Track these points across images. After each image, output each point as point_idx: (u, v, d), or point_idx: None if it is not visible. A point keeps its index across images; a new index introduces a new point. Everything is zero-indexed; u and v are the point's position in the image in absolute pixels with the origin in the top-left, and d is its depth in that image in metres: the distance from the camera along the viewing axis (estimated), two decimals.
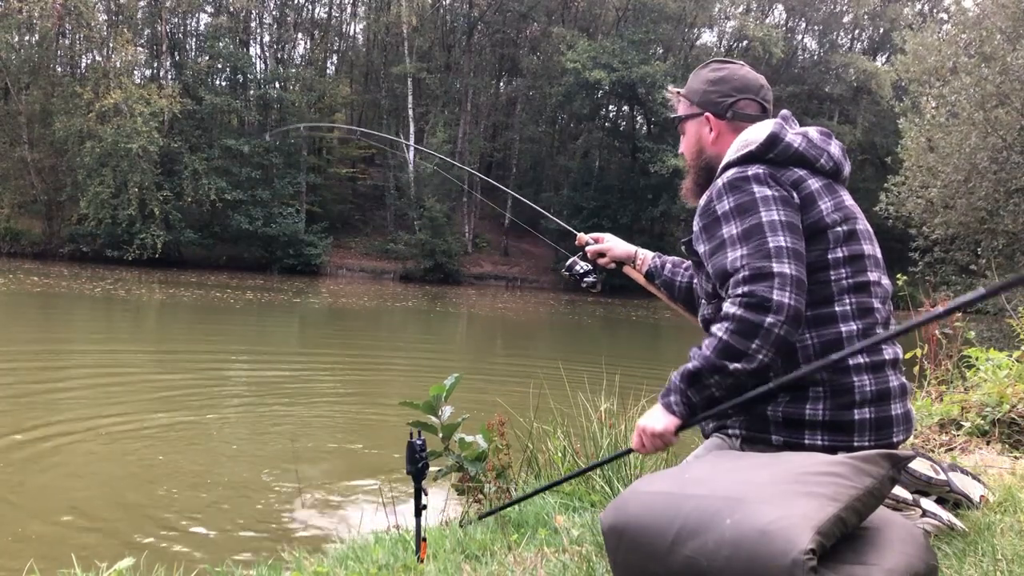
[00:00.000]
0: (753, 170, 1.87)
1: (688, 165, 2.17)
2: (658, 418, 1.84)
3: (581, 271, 2.60)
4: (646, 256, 2.51)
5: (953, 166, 14.62)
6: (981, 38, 15.17)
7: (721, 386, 1.78)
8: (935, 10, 40.90)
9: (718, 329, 1.76)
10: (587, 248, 2.59)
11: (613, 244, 2.56)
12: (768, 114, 2.07)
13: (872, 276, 1.89)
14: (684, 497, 1.53)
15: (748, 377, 1.76)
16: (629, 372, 4.11)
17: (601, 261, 2.58)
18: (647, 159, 34.12)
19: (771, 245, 1.76)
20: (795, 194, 1.86)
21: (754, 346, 1.72)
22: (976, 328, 5.02)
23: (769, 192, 1.83)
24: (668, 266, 2.45)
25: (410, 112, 35.75)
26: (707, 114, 2.08)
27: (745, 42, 37.86)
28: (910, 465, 2.04)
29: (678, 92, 2.18)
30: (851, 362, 1.81)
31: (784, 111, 2.03)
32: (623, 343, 18.01)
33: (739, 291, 1.75)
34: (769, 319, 1.71)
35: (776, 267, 1.73)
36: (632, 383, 3.71)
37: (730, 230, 1.82)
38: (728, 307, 1.76)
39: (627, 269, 2.55)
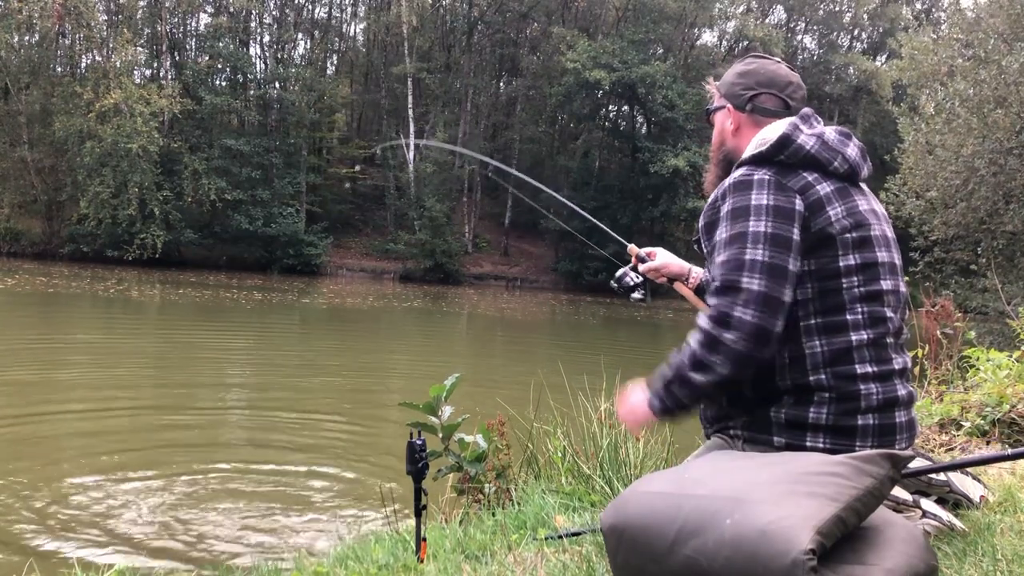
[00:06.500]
0: (759, 174, 1.84)
1: (711, 156, 2.16)
2: (638, 409, 1.91)
3: (631, 283, 2.55)
4: (698, 273, 2.48)
5: (951, 170, 14.59)
6: (978, 40, 15.15)
7: (686, 395, 1.82)
8: (933, 9, 40.95)
9: (690, 337, 1.80)
10: (643, 266, 2.55)
11: (668, 260, 2.53)
12: (792, 111, 2.02)
13: (886, 284, 1.86)
14: (684, 497, 1.53)
15: (712, 389, 1.79)
16: (629, 372, 4.10)
17: (653, 275, 2.54)
18: (647, 159, 34.11)
19: (746, 257, 1.75)
20: (799, 201, 1.80)
21: (716, 360, 1.74)
22: (977, 329, 5.02)
23: (765, 201, 1.79)
24: None
25: (410, 112, 35.74)
26: (728, 106, 2.06)
27: (745, 42, 37.90)
28: (910, 465, 2.04)
29: (714, 84, 2.16)
30: (859, 371, 1.80)
31: (805, 109, 1.98)
32: (623, 343, 18.02)
33: (709, 302, 1.79)
34: (728, 335, 1.72)
35: (745, 282, 1.73)
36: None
37: (722, 233, 1.83)
38: (700, 317, 1.79)
39: (678, 285, 2.52)
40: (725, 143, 2.08)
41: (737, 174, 1.88)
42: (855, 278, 1.82)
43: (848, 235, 1.82)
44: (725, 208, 1.85)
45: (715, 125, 2.12)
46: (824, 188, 1.83)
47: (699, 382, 1.77)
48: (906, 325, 1.95)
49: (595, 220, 2.96)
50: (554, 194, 3.42)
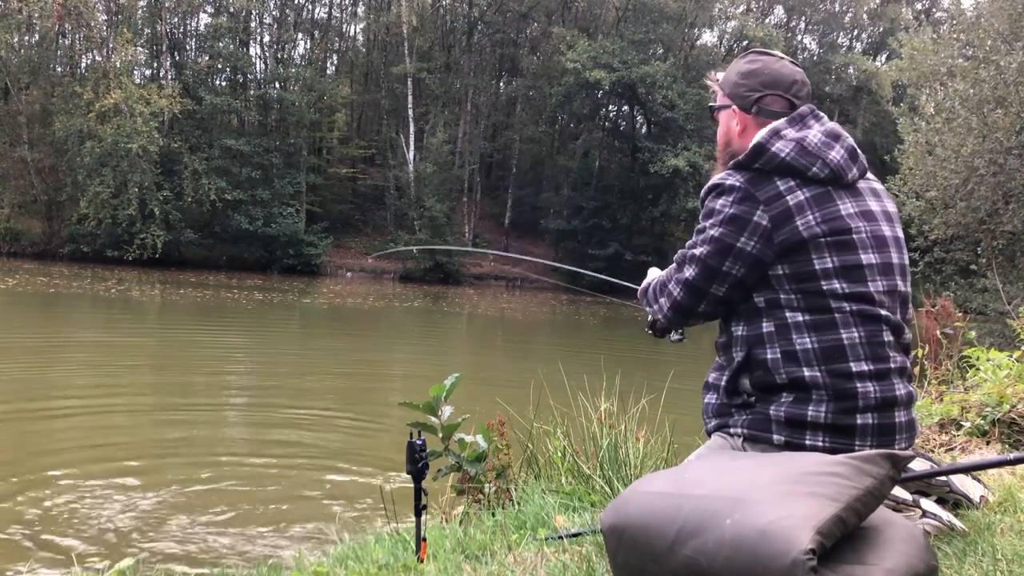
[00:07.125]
0: (731, 180, 1.91)
1: (717, 154, 2.16)
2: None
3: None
4: None
5: (951, 170, 14.57)
6: (978, 39, 15.14)
7: (646, 304, 2.22)
8: (933, 9, 40.96)
9: (661, 278, 2.16)
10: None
11: None
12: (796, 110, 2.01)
13: (876, 285, 1.87)
14: (684, 497, 1.53)
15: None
16: (629, 372, 4.10)
17: None
18: (647, 159, 34.09)
19: (695, 251, 1.97)
20: (761, 212, 1.85)
21: (654, 307, 2.14)
22: (977, 329, 5.02)
23: (728, 210, 1.89)
24: None
25: (410, 112, 35.72)
26: (734, 107, 2.06)
27: (745, 42, 37.85)
28: (911, 467, 2.05)
29: (716, 81, 2.16)
30: (854, 368, 1.81)
31: (802, 108, 1.98)
32: (623, 343, 18.00)
33: (669, 269, 2.12)
34: (662, 300, 2.08)
35: (686, 268, 1.99)
36: (632, 383, 3.70)
37: (698, 221, 2.02)
38: (666, 269, 2.15)
39: None
40: (731, 144, 2.08)
41: (717, 177, 1.96)
42: (836, 280, 1.84)
43: (822, 239, 1.84)
44: (706, 203, 1.99)
45: (719, 123, 2.13)
46: (798, 196, 1.86)
47: (646, 310, 2.21)
48: (907, 324, 1.94)
49: (594, 272, 3.04)
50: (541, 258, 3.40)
